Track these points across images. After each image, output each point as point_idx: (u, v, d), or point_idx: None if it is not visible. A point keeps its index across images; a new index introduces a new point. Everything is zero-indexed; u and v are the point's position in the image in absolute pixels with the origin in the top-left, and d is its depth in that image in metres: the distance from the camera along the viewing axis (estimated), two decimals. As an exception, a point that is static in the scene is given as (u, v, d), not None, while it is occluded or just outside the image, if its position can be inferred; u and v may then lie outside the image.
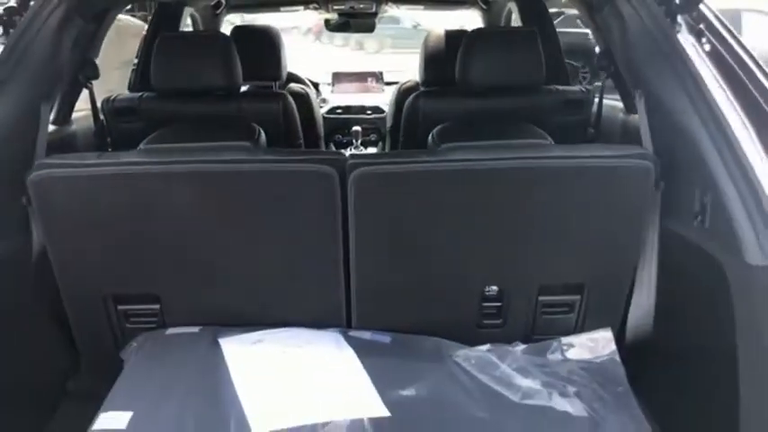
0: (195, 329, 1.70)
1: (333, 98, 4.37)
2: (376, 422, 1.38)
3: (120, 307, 1.73)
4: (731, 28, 1.65)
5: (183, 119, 2.26)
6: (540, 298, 1.74)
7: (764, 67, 1.57)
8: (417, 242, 1.63)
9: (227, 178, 1.59)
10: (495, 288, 1.74)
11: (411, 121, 2.44)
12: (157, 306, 1.73)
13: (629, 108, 2.29)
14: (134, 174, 1.57)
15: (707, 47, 1.65)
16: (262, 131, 2.05)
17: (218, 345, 1.62)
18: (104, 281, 1.69)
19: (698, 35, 1.66)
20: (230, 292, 1.70)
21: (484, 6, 3.71)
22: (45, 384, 1.78)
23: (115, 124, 2.41)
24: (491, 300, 1.75)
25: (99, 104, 2.35)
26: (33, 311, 1.71)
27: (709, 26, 1.66)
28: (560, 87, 2.50)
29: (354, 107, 4.14)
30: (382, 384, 1.49)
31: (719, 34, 1.65)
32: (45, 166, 1.57)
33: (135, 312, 1.74)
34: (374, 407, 1.42)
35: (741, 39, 1.62)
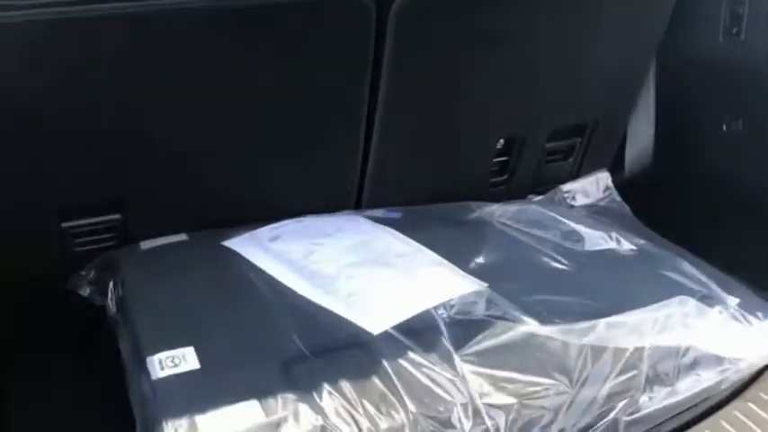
0: (182, 237, 1.32)
1: None
2: (479, 294, 1.18)
3: (64, 224, 1.27)
4: None
5: None
6: (547, 145, 1.63)
7: None
8: (448, 86, 1.38)
9: (215, 17, 1.16)
10: (502, 142, 1.58)
11: None
12: (118, 216, 1.30)
13: None
14: (87, 17, 1.07)
15: None
16: None
17: (232, 251, 1.27)
18: (39, 184, 1.21)
19: None
20: (218, 180, 1.33)
21: None
22: None
23: None
24: (500, 155, 1.60)
25: None
26: None
27: None
28: None
29: None
30: (451, 258, 1.29)
31: None
32: None
33: (86, 230, 1.30)
34: (466, 281, 1.22)
35: None
